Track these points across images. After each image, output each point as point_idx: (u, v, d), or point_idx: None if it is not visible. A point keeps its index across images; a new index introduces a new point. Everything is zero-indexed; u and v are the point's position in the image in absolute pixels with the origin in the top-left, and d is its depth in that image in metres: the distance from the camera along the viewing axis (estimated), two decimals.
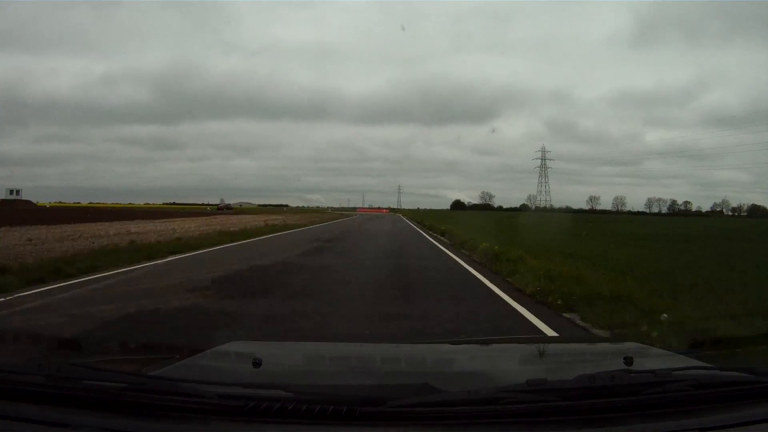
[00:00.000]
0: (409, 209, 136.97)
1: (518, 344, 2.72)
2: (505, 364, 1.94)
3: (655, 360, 1.84)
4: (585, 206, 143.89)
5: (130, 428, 1.18)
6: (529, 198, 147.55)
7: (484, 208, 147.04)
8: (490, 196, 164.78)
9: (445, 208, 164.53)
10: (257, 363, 1.61)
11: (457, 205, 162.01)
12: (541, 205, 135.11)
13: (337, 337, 4.69)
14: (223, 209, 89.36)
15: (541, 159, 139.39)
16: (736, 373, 1.45)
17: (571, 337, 4.77)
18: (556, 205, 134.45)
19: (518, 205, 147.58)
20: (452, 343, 2.82)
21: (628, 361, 1.53)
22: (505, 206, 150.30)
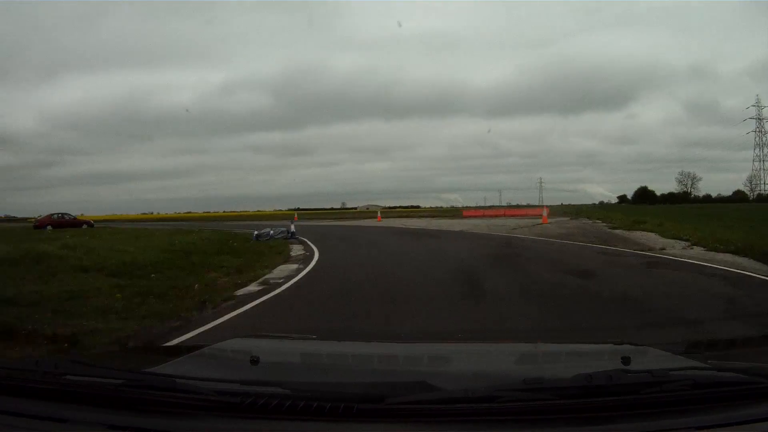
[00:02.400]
0: (553, 206, 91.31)
1: (515, 344, 2.73)
2: (503, 363, 1.95)
3: (652, 360, 1.84)
4: None
5: (127, 424, 1.18)
6: (751, 181, 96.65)
7: (681, 199, 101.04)
8: (693, 180, 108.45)
9: (590, 202, 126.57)
10: (255, 360, 1.61)
11: (643, 195, 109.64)
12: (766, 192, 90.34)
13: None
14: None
15: (757, 120, 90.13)
16: (733, 373, 1.45)
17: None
18: None
19: (730, 193, 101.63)
20: (450, 342, 2.83)
21: (626, 360, 1.53)
22: (713, 194, 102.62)
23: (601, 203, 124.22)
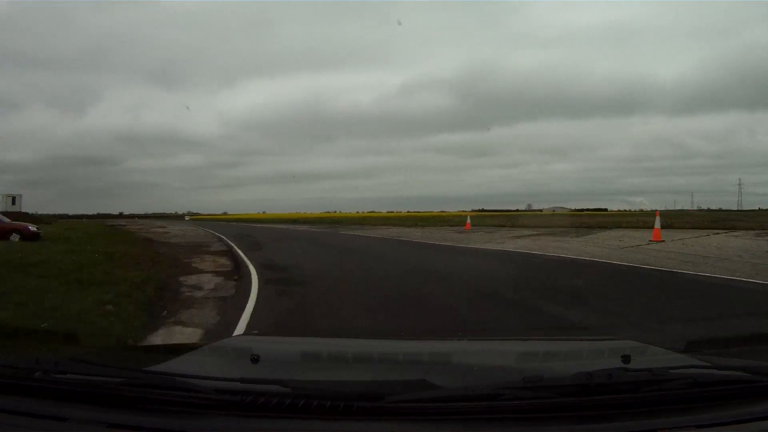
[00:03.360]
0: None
1: (515, 341, 2.73)
2: (503, 361, 1.95)
3: (652, 358, 1.84)
4: None
5: (127, 422, 1.18)
6: None
7: None
8: None
9: None
10: (255, 359, 1.62)
11: None
12: None
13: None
14: None
15: None
16: (733, 371, 1.45)
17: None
18: None
19: None
20: (450, 340, 2.83)
21: (626, 359, 1.54)
22: None
23: None
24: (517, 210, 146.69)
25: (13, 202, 55.19)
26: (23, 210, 54.14)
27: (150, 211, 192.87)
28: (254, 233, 31.82)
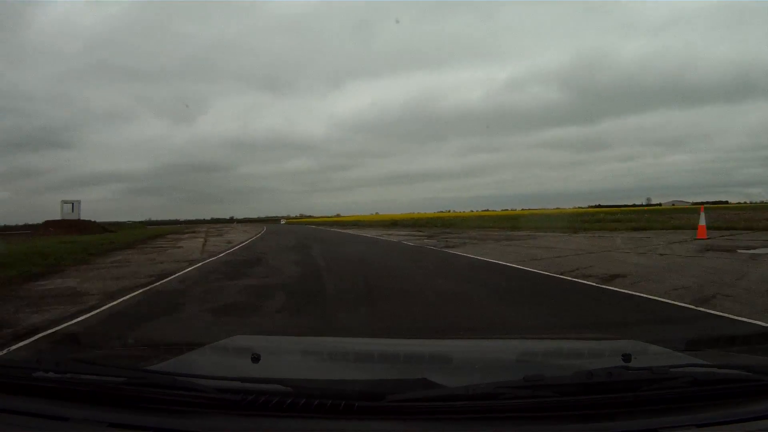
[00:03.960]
0: None
1: (516, 340, 2.73)
2: (503, 360, 1.95)
3: (652, 357, 1.84)
4: None
5: (129, 422, 1.18)
6: None
7: None
8: None
9: None
10: (256, 358, 1.62)
11: None
12: None
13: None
14: None
15: None
16: (734, 370, 1.45)
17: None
18: None
19: None
20: (450, 339, 2.83)
21: (626, 358, 1.54)
22: None
23: None
24: (635, 205, 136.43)
25: (72, 209, 53.02)
26: (82, 217, 52.01)
27: (263, 215, 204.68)
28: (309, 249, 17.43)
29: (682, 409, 1.22)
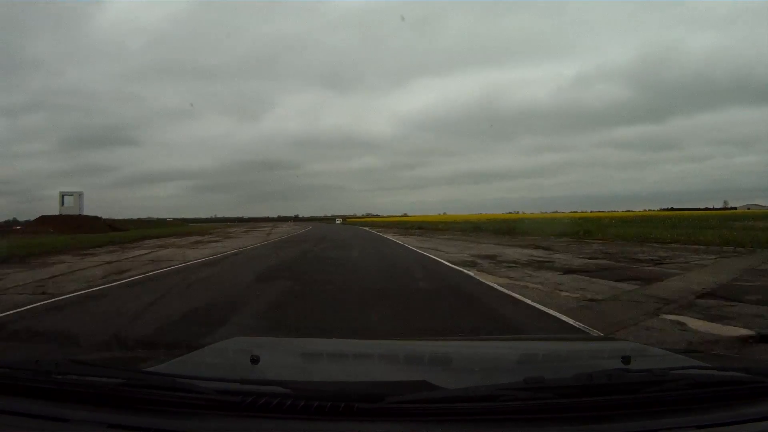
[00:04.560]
0: None
1: (516, 342, 2.73)
2: (503, 361, 1.95)
3: (652, 359, 1.84)
4: None
5: (128, 423, 1.18)
6: None
7: None
8: None
9: None
10: (255, 359, 1.62)
11: None
12: None
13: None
14: None
15: None
16: (733, 372, 1.45)
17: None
18: None
19: None
20: (450, 341, 2.83)
21: (626, 360, 1.54)
22: None
23: None
24: (708, 208, 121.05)
25: (74, 202, 46.00)
26: (84, 212, 44.92)
27: (329, 214, 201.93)
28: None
29: (682, 411, 1.22)
